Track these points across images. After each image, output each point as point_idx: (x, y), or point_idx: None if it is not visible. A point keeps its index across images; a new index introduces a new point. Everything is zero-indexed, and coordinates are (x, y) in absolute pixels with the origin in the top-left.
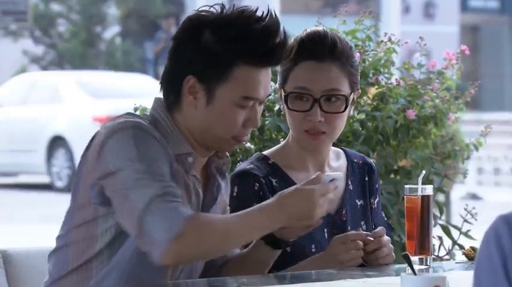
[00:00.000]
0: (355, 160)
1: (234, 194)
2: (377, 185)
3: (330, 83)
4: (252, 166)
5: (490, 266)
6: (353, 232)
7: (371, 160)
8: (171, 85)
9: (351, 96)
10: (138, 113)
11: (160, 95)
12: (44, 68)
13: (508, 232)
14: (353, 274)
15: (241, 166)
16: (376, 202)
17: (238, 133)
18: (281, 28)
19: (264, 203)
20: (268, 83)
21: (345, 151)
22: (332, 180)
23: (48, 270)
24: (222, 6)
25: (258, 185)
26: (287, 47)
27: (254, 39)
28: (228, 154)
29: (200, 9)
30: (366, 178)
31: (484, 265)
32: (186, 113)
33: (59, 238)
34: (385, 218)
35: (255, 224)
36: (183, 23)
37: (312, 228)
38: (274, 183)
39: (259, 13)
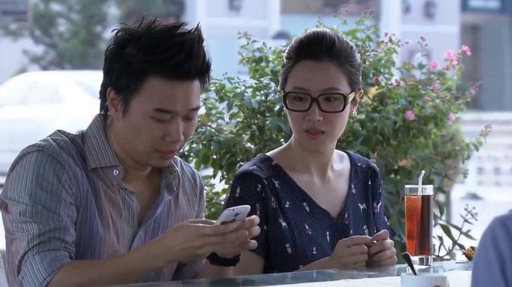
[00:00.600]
0: (359, 164)
1: (237, 195)
2: (380, 190)
3: (327, 83)
4: (254, 167)
5: (488, 269)
6: (358, 236)
7: (374, 165)
8: (101, 99)
9: (350, 96)
10: None
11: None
12: (44, 68)
13: (505, 235)
14: (353, 274)
15: (244, 166)
16: (379, 206)
17: (159, 147)
18: (198, 40)
19: (145, 244)
20: (189, 96)
21: (349, 155)
22: (236, 214)
23: None
24: (153, 20)
25: (260, 186)
26: (200, 60)
27: (165, 51)
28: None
29: (132, 24)
30: (369, 182)
31: (482, 267)
32: (114, 126)
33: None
34: (388, 223)
35: (136, 267)
36: (113, 36)
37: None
38: (276, 185)
39: (182, 28)
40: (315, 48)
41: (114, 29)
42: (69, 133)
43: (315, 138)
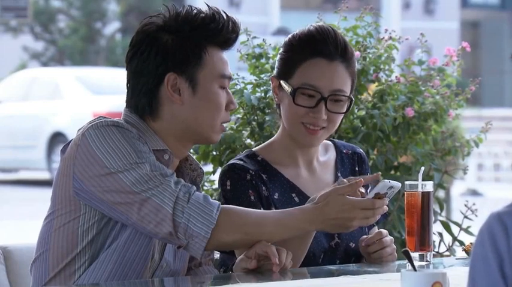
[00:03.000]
0: (345, 151)
1: (228, 187)
2: (368, 174)
3: (338, 84)
4: (241, 161)
5: (486, 267)
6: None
7: (361, 150)
8: (144, 96)
9: (352, 97)
10: None
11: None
12: (44, 64)
13: (503, 232)
14: (353, 270)
15: (230, 162)
16: (368, 191)
17: (224, 118)
18: (223, 13)
19: (305, 206)
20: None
21: (334, 143)
22: (390, 188)
23: (31, 283)
24: (166, 11)
25: (249, 175)
26: (237, 28)
27: (215, 23)
28: (200, 165)
29: (146, 20)
30: (357, 168)
31: (479, 266)
32: (168, 117)
33: (37, 247)
34: None
35: (292, 225)
36: (135, 36)
37: None
38: (264, 178)
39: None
40: (330, 48)
41: (141, 22)
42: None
43: (314, 134)
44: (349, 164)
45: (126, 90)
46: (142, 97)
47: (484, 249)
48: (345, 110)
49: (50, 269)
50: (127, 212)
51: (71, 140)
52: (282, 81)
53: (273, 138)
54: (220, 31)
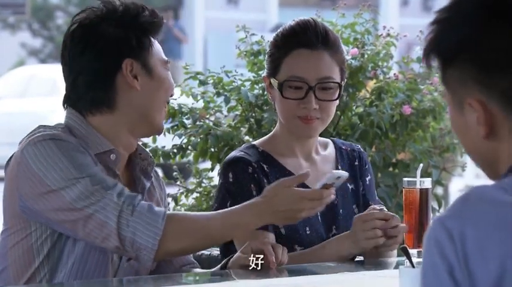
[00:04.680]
0: (344, 147)
1: (230, 179)
2: (367, 166)
3: (324, 71)
4: (242, 153)
5: (436, 275)
6: (374, 210)
7: (359, 146)
8: (99, 86)
9: (342, 84)
10: None
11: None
12: (43, 61)
13: (448, 238)
14: (352, 267)
15: (231, 154)
16: (368, 179)
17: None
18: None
19: (252, 201)
20: None
21: (332, 141)
22: (338, 178)
23: None
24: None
25: (251, 168)
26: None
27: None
28: (152, 156)
29: (78, 16)
30: (356, 163)
31: (430, 274)
32: (124, 106)
33: None
34: (377, 197)
35: (241, 222)
36: (71, 33)
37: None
38: (265, 168)
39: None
40: (310, 37)
41: (71, 26)
42: (53, 126)
43: (309, 124)
44: (347, 159)
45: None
46: (97, 88)
47: (432, 257)
48: (335, 98)
49: (12, 284)
50: (73, 228)
51: (13, 154)
52: (271, 79)
53: (271, 132)
54: (151, 23)
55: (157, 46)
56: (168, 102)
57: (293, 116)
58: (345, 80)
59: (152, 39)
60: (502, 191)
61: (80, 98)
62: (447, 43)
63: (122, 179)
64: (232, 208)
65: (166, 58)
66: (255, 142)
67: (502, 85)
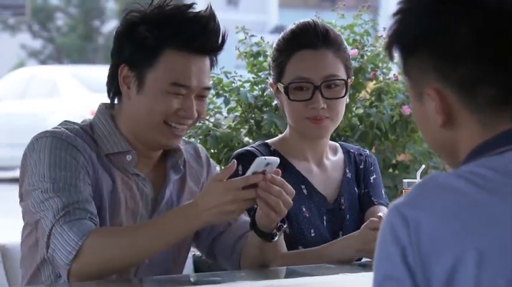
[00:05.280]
0: (351, 150)
1: (240, 172)
2: (372, 167)
3: (328, 70)
4: (253, 149)
5: (389, 260)
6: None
7: (366, 151)
8: (110, 81)
9: (349, 81)
10: None
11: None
12: (43, 62)
13: (403, 223)
14: (352, 268)
15: (242, 149)
16: (372, 178)
17: (170, 118)
18: (212, 18)
19: (181, 205)
20: (203, 73)
21: (340, 145)
22: (267, 164)
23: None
24: (163, 1)
25: None
26: (216, 35)
27: (179, 24)
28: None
29: (139, 7)
30: (361, 166)
31: (382, 258)
32: (124, 109)
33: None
34: (384, 195)
35: (169, 228)
36: (123, 17)
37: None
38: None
39: (193, 7)
40: (311, 37)
41: (125, 9)
42: (77, 123)
43: (319, 124)
44: (354, 163)
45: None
46: (109, 82)
47: (386, 243)
48: (342, 95)
49: (25, 275)
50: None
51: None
52: (277, 84)
53: (283, 134)
54: (183, 33)
55: (172, 65)
56: (171, 131)
57: (302, 117)
58: (352, 77)
59: (167, 54)
60: (458, 179)
61: (107, 91)
62: (408, 34)
63: (151, 175)
64: (156, 218)
65: (182, 82)
66: (267, 141)
67: (458, 74)
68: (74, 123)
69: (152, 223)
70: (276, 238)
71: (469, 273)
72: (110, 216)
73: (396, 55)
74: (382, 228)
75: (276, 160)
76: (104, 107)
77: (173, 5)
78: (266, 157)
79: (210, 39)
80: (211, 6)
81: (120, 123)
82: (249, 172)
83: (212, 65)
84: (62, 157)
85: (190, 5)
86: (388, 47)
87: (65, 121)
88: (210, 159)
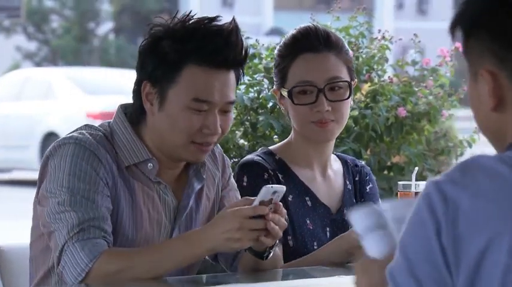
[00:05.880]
0: (349, 161)
1: (244, 183)
2: (367, 177)
3: (331, 72)
4: (259, 158)
5: (423, 234)
6: None
7: (362, 162)
8: (135, 96)
9: (352, 83)
10: None
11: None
12: (37, 64)
13: (441, 200)
14: (347, 270)
15: (248, 157)
16: (369, 188)
17: (196, 138)
18: (234, 31)
19: (189, 231)
20: (226, 87)
21: (337, 156)
22: (274, 193)
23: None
24: (187, 14)
25: (267, 175)
26: (238, 49)
27: (201, 39)
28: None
29: (162, 20)
30: (356, 178)
31: (416, 232)
32: (149, 122)
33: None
34: None
35: (175, 254)
36: (147, 31)
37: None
38: (280, 178)
39: (217, 20)
40: (312, 41)
41: (149, 24)
42: (99, 128)
43: (324, 127)
44: (351, 174)
45: (122, 91)
46: (134, 97)
47: (421, 216)
48: (346, 97)
49: (33, 278)
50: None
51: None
52: (281, 90)
53: (288, 139)
54: (205, 48)
55: (193, 80)
56: (202, 142)
57: (307, 121)
58: (355, 79)
59: (189, 70)
60: (502, 163)
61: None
62: (470, 15)
63: (173, 183)
64: (164, 241)
65: (203, 97)
66: (271, 148)
67: None
68: (97, 129)
69: (159, 247)
70: (270, 256)
71: (500, 259)
72: (132, 230)
73: (457, 35)
74: (419, 202)
75: (282, 188)
76: (122, 113)
77: (196, 19)
78: (273, 185)
79: (232, 52)
80: (235, 20)
81: (146, 136)
82: (256, 201)
83: (238, 79)
84: (83, 168)
85: (215, 18)
86: (452, 28)
87: (87, 125)
88: (225, 156)
